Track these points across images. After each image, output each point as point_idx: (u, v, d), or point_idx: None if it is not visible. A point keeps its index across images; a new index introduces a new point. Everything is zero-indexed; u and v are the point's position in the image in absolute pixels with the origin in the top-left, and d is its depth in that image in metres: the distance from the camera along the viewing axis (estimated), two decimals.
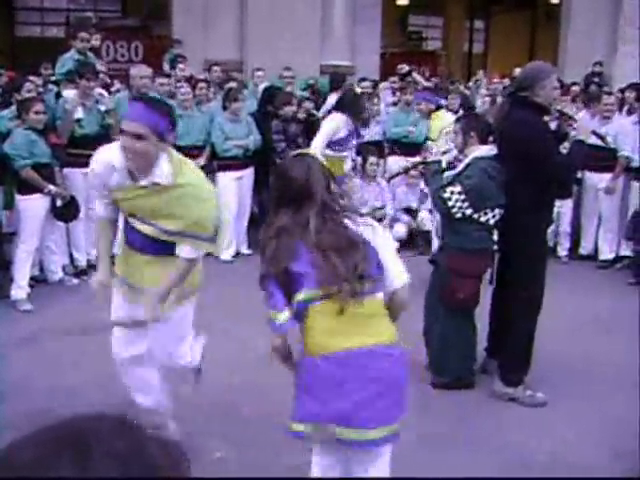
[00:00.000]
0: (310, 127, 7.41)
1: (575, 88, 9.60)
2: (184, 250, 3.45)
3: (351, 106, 6.76)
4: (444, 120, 7.47)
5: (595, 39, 13.63)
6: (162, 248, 3.50)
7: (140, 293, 3.62)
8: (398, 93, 9.70)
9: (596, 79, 11.16)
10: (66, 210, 6.44)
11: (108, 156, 3.38)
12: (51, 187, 6.23)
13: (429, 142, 7.14)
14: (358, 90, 6.97)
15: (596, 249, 7.93)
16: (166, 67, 10.26)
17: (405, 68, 10.36)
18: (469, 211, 4.38)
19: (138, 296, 3.63)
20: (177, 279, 3.49)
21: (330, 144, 6.58)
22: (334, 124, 6.61)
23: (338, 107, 6.82)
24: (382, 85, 10.10)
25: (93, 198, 6.47)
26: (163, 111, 3.29)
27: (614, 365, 5.18)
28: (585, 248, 8.05)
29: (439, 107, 7.58)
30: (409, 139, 8.13)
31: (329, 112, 7.12)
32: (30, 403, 4.43)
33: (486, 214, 4.40)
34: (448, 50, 21.05)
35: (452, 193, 4.38)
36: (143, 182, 3.34)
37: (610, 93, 8.27)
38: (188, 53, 10.71)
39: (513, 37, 21.37)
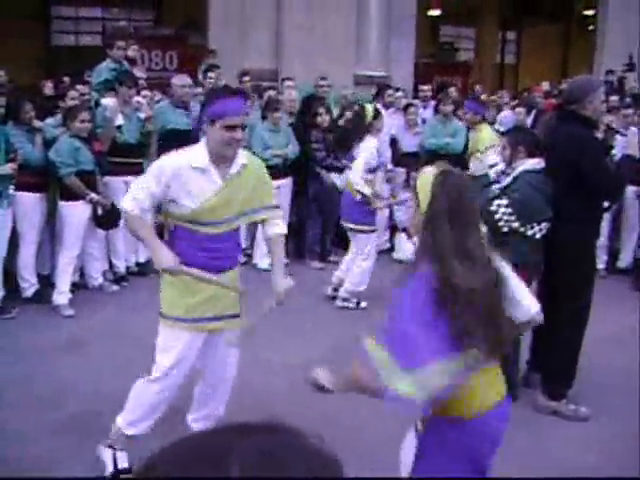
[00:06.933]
0: (341, 136, 7.41)
1: (614, 98, 9.58)
2: (280, 228, 3.70)
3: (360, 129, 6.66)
4: (487, 132, 7.40)
5: (630, 51, 13.54)
6: (238, 249, 3.79)
7: (224, 319, 3.65)
8: (431, 102, 9.73)
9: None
10: (107, 218, 6.51)
11: (191, 160, 3.38)
12: (93, 195, 6.32)
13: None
14: (368, 108, 6.86)
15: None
16: (200, 77, 10.34)
17: None
18: (516, 224, 4.36)
19: (221, 322, 3.66)
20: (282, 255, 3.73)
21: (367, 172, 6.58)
22: (368, 153, 6.54)
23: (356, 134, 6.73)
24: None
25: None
26: None
27: None
28: (624, 261, 7.99)
29: (484, 119, 7.53)
30: (446, 150, 8.11)
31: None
32: (75, 407, 4.50)
33: (532, 228, 4.39)
34: (480, 61, 21.02)
35: (499, 206, 4.37)
36: (233, 170, 3.45)
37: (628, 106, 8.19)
38: (224, 63, 10.79)
39: (545, 49, 21.31)
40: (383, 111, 7.18)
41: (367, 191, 6.39)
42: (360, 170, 6.41)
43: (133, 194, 3.46)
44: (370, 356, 2.34)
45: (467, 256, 2.40)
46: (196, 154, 3.41)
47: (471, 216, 2.50)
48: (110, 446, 3.77)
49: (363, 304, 6.56)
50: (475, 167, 6.34)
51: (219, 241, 3.48)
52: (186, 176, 3.36)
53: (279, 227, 3.70)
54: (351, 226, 6.65)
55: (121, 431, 3.72)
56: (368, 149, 6.46)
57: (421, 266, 2.42)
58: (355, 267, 6.56)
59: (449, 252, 2.38)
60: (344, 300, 6.63)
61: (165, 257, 3.37)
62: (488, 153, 6.40)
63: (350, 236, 6.78)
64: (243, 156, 3.51)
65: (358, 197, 6.45)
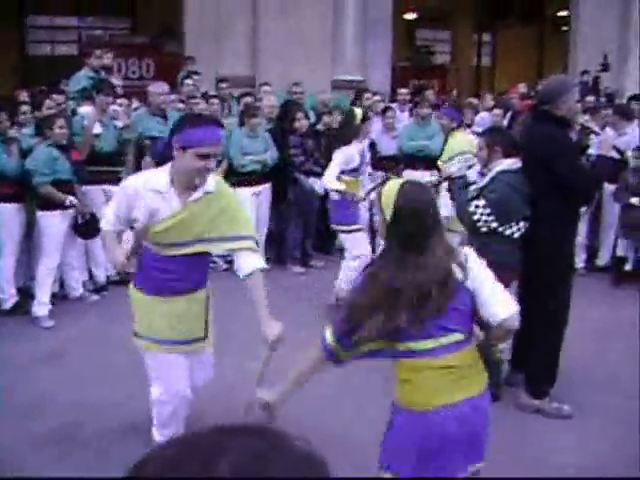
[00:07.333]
0: (329, 142, 7.41)
1: (590, 98, 9.69)
2: (253, 260, 3.50)
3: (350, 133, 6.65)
4: (460, 140, 7.33)
5: (604, 51, 13.68)
6: (202, 274, 3.67)
7: (193, 343, 3.70)
8: (408, 105, 9.79)
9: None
10: (87, 227, 6.48)
11: (151, 184, 3.41)
12: (71, 198, 6.25)
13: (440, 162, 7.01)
14: (357, 111, 6.84)
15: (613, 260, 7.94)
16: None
17: None
18: (494, 224, 4.39)
19: (197, 345, 3.73)
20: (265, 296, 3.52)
21: (344, 172, 6.57)
22: (344, 156, 6.54)
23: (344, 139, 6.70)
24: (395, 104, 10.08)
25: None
26: None
27: (638, 376, 5.17)
28: (602, 259, 8.07)
29: (460, 126, 7.53)
30: (424, 153, 8.13)
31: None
32: (55, 418, 4.47)
33: (511, 227, 4.42)
34: (456, 64, 21.15)
35: (477, 207, 4.39)
36: (194, 196, 3.42)
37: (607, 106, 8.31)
38: (200, 69, 10.79)
39: (521, 50, 21.47)
40: None
41: (340, 187, 6.40)
42: (333, 173, 6.41)
43: (106, 215, 3.73)
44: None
45: (411, 264, 2.61)
46: (157, 177, 3.44)
47: (422, 235, 2.65)
48: None
49: None
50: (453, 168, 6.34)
51: (175, 263, 3.50)
52: (145, 197, 3.40)
53: (252, 261, 3.49)
54: (336, 227, 6.68)
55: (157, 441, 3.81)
56: (345, 153, 6.46)
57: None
58: (346, 269, 6.50)
59: (394, 262, 2.63)
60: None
61: (115, 257, 3.63)
62: (452, 162, 6.43)
63: (343, 239, 6.78)
64: (212, 183, 3.47)
65: (336, 196, 6.48)
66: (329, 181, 6.45)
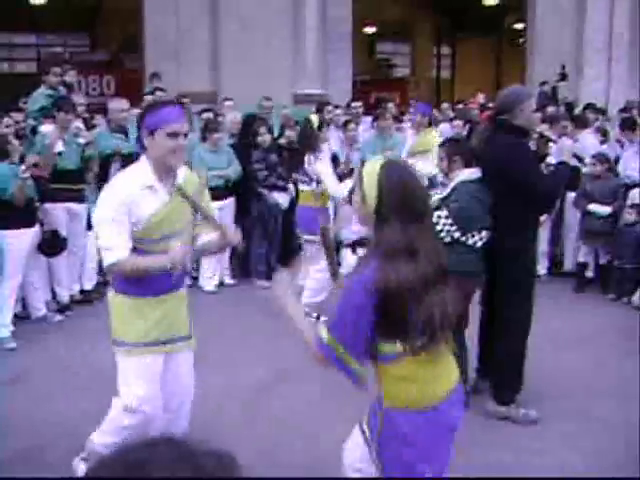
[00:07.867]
0: (292, 156, 7.40)
1: (552, 109, 9.89)
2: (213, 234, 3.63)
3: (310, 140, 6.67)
4: (431, 138, 7.40)
5: (561, 62, 13.95)
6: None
7: (178, 341, 3.64)
8: (362, 118, 9.88)
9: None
10: (49, 245, 6.42)
11: (139, 181, 3.35)
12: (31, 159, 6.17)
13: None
14: (313, 118, 6.86)
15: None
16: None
17: None
18: (457, 234, 4.44)
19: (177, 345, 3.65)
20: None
21: (320, 183, 6.57)
22: (327, 163, 6.56)
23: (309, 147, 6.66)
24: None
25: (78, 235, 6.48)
26: None
27: (602, 379, 5.26)
28: (567, 264, 8.23)
29: (431, 123, 7.65)
30: None
31: None
32: (22, 441, 4.39)
33: (473, 236, 4.47)
34: (416, 76, 21.36)
35: (439, 217, 4.44)
36: (178, 182, 3.42)
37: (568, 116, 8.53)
38: (161, 85, 10.76)
39: (479, 62, 21.77)
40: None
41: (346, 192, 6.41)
42: (335, 181, 6.39)
43: (112, 245, 3.32)
44: (323, 338, 2.50)
45: (414, 251, 2.40)
46: (141, 173, 3.38)
47: (420, 206, 2.49)
48: (84, 459, 3.74)
49: (323, 319, 6.52)
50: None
51: None
52: (139, 197, 3.33)
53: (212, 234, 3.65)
54: (310, 237, 6.62)
55: (95, 449, 3.67)
56: (326, 162, 6.47)
57: (371, 261, 2.45)
58: (309, 280, 6.47)
59: (396, 251, 2.39)
60: (305, 315, 6.56)
61: (168, 256, 3.27)
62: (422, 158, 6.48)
63: (307, 248, 6.73)
64: (182, 171, 3.52)
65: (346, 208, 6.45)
66: (341, 190, 6.36)
